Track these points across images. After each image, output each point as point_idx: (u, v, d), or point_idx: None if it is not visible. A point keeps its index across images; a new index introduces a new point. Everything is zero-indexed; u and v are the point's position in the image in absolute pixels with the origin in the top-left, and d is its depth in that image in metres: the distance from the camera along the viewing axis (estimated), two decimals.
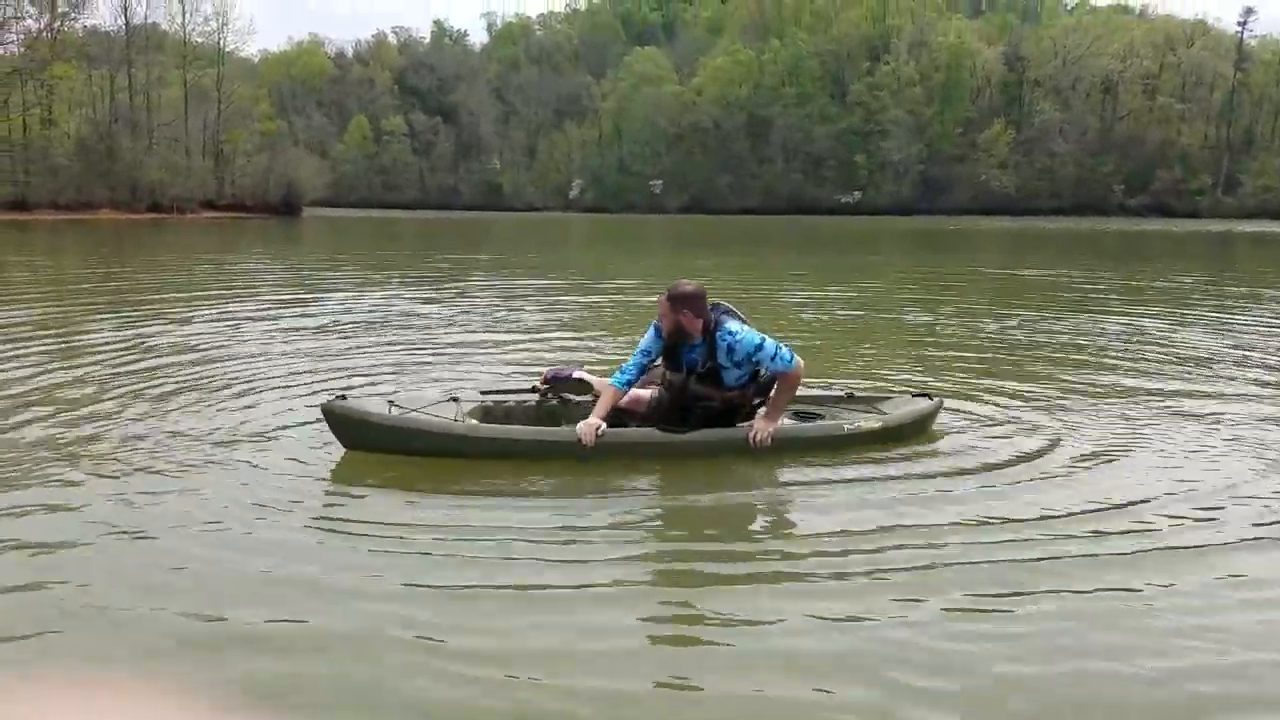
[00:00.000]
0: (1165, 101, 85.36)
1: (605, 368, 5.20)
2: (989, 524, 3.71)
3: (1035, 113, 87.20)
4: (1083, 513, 3.83)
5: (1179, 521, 3.76)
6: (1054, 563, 3.32)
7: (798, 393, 4.85)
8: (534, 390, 4.82)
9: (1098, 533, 3.62)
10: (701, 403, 4.53)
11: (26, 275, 16.47)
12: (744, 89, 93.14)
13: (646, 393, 4.61)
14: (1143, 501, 3.99)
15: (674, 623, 2.97)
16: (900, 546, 3.47)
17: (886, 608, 2.97)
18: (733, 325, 4.47)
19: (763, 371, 4.54)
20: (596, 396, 4.55)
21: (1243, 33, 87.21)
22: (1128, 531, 3.65)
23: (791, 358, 4.45)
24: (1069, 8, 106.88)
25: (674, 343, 4.51)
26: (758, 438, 4.43)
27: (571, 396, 4.71)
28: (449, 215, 74.53)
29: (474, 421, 4.60)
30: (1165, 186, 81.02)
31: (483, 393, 4.99)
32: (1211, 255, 29.22)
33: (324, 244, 31.30)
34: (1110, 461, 4.59)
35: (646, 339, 4.55)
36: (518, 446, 4.42)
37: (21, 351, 7.50)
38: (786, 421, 4.69)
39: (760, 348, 4.44)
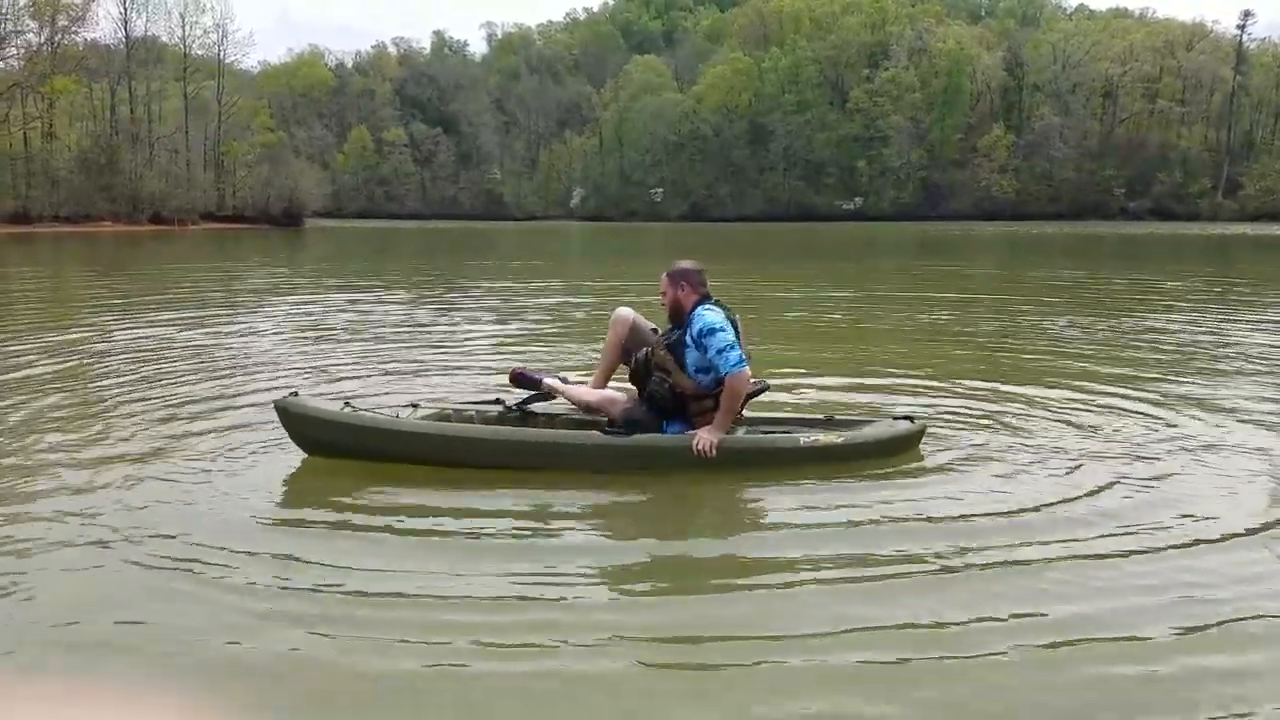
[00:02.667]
0: (1165, 105, 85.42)
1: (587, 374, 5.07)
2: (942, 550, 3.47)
3: (1035, 117, 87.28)
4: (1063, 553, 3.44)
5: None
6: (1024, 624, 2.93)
7: (774, 414, 4.87)
8: (497, 402, 4.69)
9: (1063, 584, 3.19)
10: (657, 373, 4.43)
11: (19, 286, 16.42)
12: (744, 97, 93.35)
13: (622, 396, 4.50)
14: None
15: (642, 640, 2.88)
16: (850, 574, 3.29)
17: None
18: (710, 306, 4.45)
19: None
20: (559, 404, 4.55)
21: (1242, 36, 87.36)
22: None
23: (738, 363, 4.27)
24: (1068, 12, 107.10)
25: (674, 320, 4.54)
26: (700, 445, 4.24)
27: (536, 410, 4.57)
28: (450, 225, 74.58)
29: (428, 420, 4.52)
30: (1166, 190, 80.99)
31: (453, 406, 4.90)
32: (1223, 257, 29.11)
33: (323, 254, 31.28)
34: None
35: None
36: (475, 449, 4.33)
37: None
38: (742, 433, 4.57)
39: (714, 332, 4.29)
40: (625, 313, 4.70)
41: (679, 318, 4.50)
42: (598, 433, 4.40)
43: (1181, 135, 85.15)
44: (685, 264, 4.56)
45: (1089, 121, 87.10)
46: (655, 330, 4.68)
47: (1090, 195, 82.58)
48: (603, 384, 4.72)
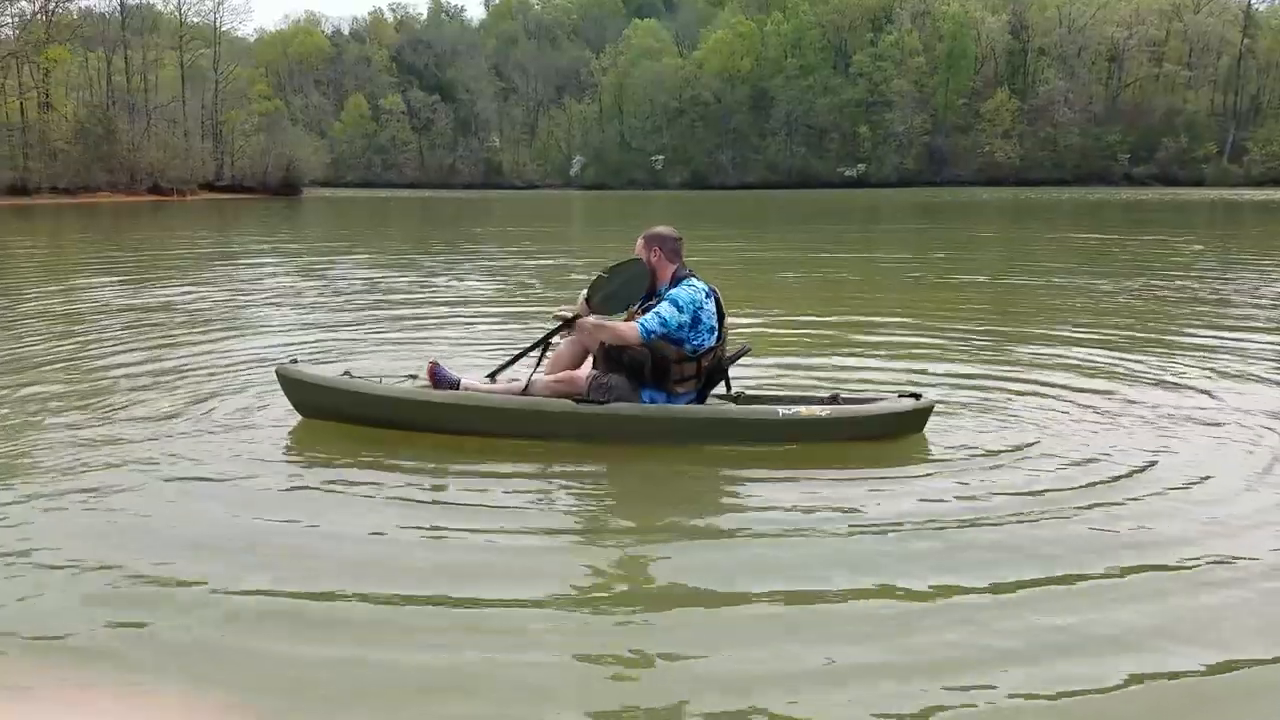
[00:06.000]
0: (1171, 69, 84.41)
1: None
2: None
3: (1040, 82, 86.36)
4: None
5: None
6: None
7: (776, 394, 4.85)
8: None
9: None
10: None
11: (16, 256, 16.33)
12: (745, 62, 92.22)
13: (580, 373, 4.44)
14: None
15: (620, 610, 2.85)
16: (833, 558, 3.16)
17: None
18: (695, 280, 4.38)
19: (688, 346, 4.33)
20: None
21: None
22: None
23: (643, 322, 4.23)
24: None
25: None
26: (563, 310, 4.41)
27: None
28: (448, 194, 74.23)
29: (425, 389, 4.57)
30: (1170, 155, 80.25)
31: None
32: (1232, 221, 28.91)
33: (323, 222, 31.15)
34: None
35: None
36: (459, 417, 4.38)
37: None
38: (722, 404, 4.52)
39: (674, 302, 4.25)
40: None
41: (652, 285, 4.46)
42: (571, 401, 4.34)
43: (1187, 99, 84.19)
44: (662, 229, 4.50)
45: (1094, 86, 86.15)
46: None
47: (1095, 160, 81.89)
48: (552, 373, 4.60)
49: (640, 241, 4.49)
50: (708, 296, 4.36)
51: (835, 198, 57.11)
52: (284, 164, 65.09)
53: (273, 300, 9.83)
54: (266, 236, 22.98)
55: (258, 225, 28.79)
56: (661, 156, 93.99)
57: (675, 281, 4.39)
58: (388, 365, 5.80)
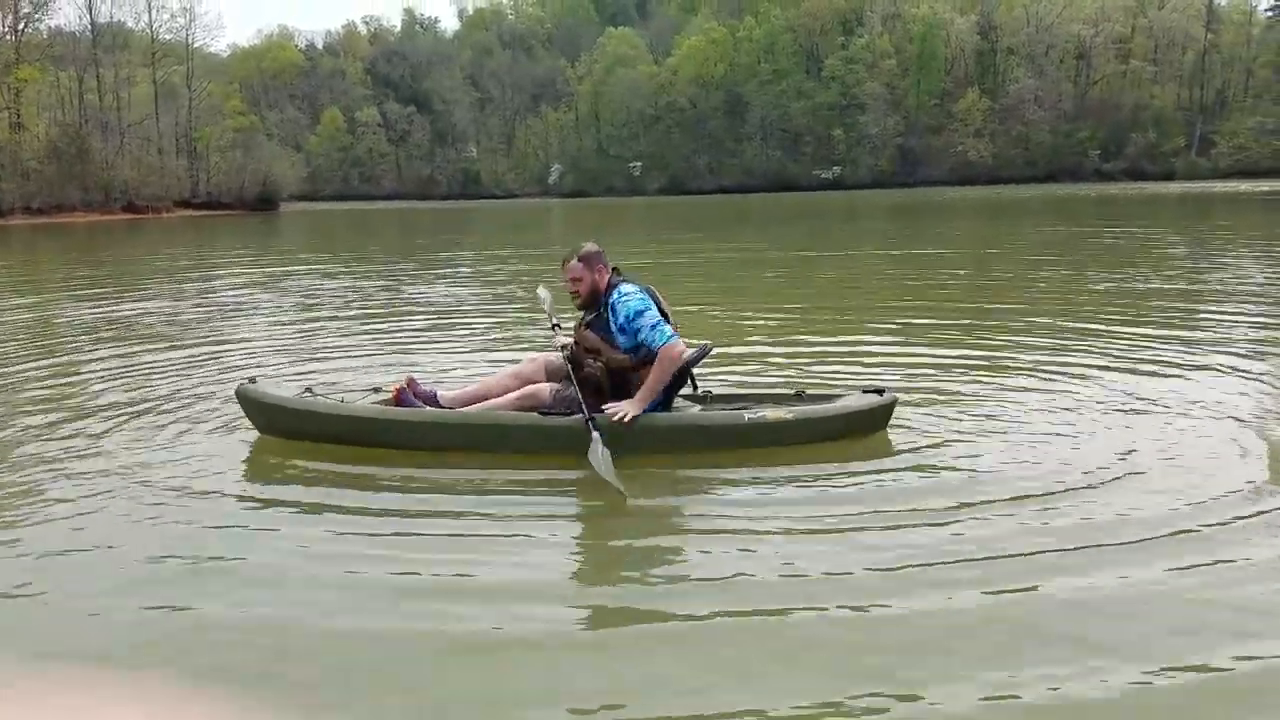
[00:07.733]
0: (1137, 65, 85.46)
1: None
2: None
3: (1009, 81, 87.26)
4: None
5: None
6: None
7: (743, 392, 4.85)
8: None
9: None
10: (587, 359, 4.32)
11: None
12: (719, 67, 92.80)
13: (547, 388, 4.41)
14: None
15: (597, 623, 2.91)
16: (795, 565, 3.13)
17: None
18: (626, 286, 4.38)
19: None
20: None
21: None
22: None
23: (671, 336, 4.20)
24: None
25: (589, 306, 4.46)
26: (616, 415, 4.12)
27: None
28: (426, 205, 73.97)
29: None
30: (1139, 150, 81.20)
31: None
32: (1201, 214, 29.30)
33: (297, 237, 31.08)
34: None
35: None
36: (434, 434, 4.35)
37: None
38: (686, 410, 4.47)
39: (640, 314, 4.23)
40: (549, 356, 4.62)
41: (595, 303, 4.42)
42: (536, 414, 4.32)
43: (1154, 95, 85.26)
44: (588, 246, 4.45)
45: (1063, 84, 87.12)
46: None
47: (1065, 157, 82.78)
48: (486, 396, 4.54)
49: (580, 265, 4.39)
50: (647, 295, 4.36)
51: (811, 200, 57.40)
52: (260, 179, 64.98)
53: (241, 315, 9.88)
54: (240, 252, 22.98)
55: (232, 241, 28.68)
56: (639, 163, 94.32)
57: (610, 288, 4.40)
58: (351, 379, 5.80)
